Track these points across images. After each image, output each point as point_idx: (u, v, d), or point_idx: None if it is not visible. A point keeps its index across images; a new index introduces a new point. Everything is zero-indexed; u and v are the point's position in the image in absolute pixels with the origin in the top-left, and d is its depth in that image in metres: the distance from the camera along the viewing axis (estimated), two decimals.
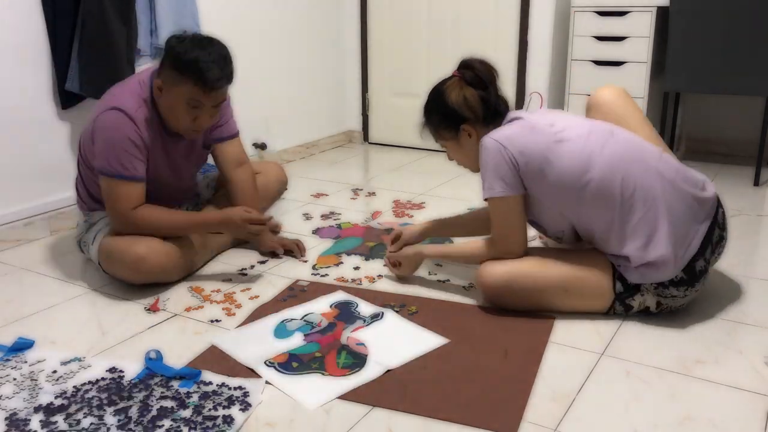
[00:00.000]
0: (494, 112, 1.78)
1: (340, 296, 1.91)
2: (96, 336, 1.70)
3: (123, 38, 2.42)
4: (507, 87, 3.52)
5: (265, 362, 1.55)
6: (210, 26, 2.97)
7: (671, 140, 3.72)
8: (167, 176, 2.06)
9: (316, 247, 2.31)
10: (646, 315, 1.75)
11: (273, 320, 1.76)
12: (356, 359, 1.57)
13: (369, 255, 2.23)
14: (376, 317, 1.78)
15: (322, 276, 2.07)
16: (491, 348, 1.61)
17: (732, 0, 2.87)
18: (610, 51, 3.23)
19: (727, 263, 2.15)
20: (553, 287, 1.74)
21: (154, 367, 1.52)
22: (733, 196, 2.65)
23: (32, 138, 2.37)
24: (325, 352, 1.61)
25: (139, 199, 1.92)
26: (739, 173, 2.63)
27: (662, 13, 3.12)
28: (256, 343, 1.64)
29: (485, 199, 1.74)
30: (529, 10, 3.39)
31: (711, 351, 1.61)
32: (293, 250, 2.22)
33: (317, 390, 1.45)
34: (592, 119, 1.81)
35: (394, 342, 1.65)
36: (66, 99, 2.41)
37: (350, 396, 1.43)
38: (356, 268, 2.12)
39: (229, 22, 3.11)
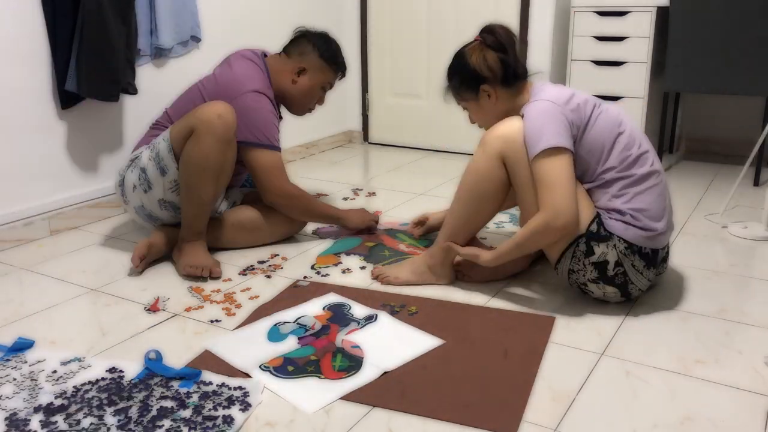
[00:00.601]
0: (513, 73, 1.83)
1: (332, 298, 1.90)
2: (96, 336, 1.70)
3: (122, 38, 2.42)
4: None
5: (260, 366, 1.54)
6: (210, 26, 2.97)
7: (671, 140, 3.72)
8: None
9: (315, 247, 2.31)
10: (600, 274, 1.73)
11: (266, 323, 1.75)
12: (352, 362, 1.56)
13: (368, 255, 2.23)
14: (370, 319, 1.77)
15: (323, 276, 2.07)
16: (491, 348, 1.61)
17: (732, 0, 2.87)
18: (610, 51, 3.23)
19: (727, 263, 2.16)
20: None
21: (154, 368, 1.52)
22: (733, 196, 2.66)
23: (32, 138, 2.37)
24: (320, 355, 1.60)
25: (285, 171, 2.21)
26: (739, 173, 2.63)
27: (662, 13, 3.12)
28: (249, 348, 1.63)
29: (536, 156, 1.68)
30: (529, 10, 3.39)
31: (711, 351, 1.61)
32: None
33: (314, 393, 1.44)
34: None
35: (389, 344, 1.64)
36: (66, 99, 2.41)
37: (350, 396, 1.43)
38: (362, 268, 2.13)
39: (229, 22, 3.11)
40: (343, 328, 1.73)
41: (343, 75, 2.38)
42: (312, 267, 2.14)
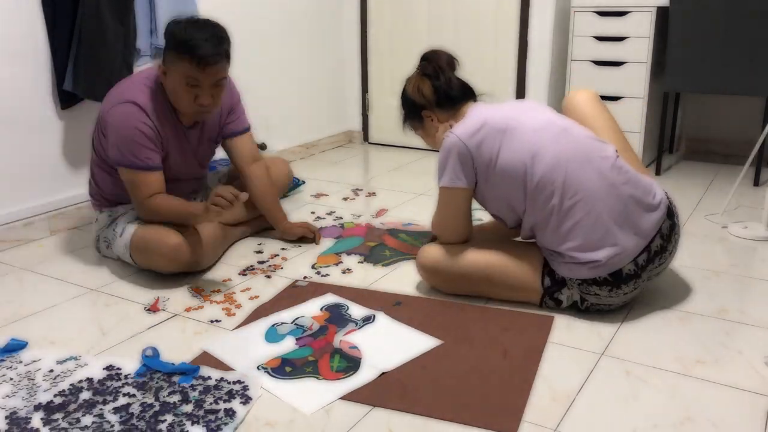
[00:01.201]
0: (447, 97, 1.92)
1: (330, 299, 1.90)
2: (96, 336, 1.70)
3: (120, 39, 2.42)
4: (507, 87, 3.52)
5: (257, 367, 1.54)
6: None
7: (671, 140, 3.72)
8: (180, 165, 2.13)
9: (316, 247, 2.31)
10: (578, 311, 1.78)
11: (263, 324, 1.75)
12: (350, 363, 1.56)
13: (369, 255, 2.23)
14: (368, 320, 1.77)
15: (323, 276, 2.07)
16: (491, 348, 1.61)
17: (732, 0, 2.87)
18: (610, 51, 3.23)
19: (727, 263, 2.16)
20: (477, 276, 1.84)
21: (152, 364, 1.52)
22: (733, 196, 2.65)
23: (32, 138, 2.37)
24: (318, 356, 1.59)
25: (158, 188, 2.01)
26: (739, 173, 2.63)
27: (662, 13, 3.12)
28: (247, 349, 1.63)
29: (439, 186, 1.84)
30: (529, 10, 3.39)
31: (711, 351, 1.60)
32: (313, 234, 2.35)
33: (312, 394, 1.44)
34: (553, 115, 1.85)
35: (387, 345, 1.64)
36: (65, 99, 2.41)
37: (350, 396, 1.42)
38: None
39: (229, 22, 3.10)
40: (341, 328, 1.72)
41: (207, 63, 1.88)
42: (312, 266, 2.14)
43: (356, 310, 1.83)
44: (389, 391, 1.44)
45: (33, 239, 2.40)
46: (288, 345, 1.64)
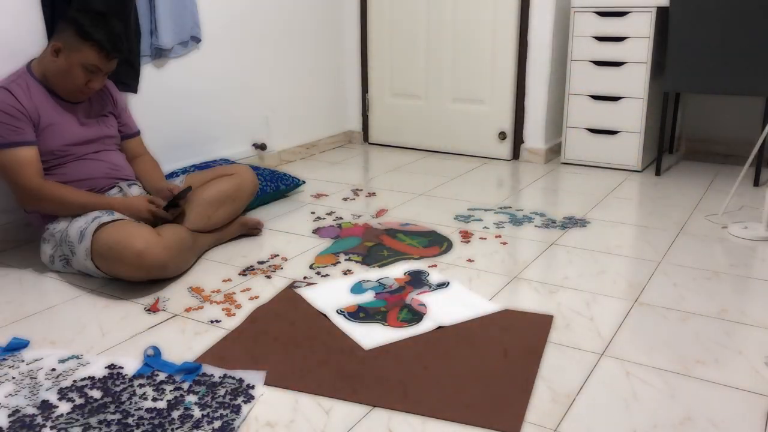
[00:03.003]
0: None
1: (415, 264, 2.14)
2: (96, 336, 1.70)
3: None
4: (506, 87, 3.52)
5: (336, 310, 1.80)
6: (210, 26, 2.97)
7: (671, 140, 3.73)
8: (80, 139, 2.12)
9: (315, 247, 2.31)
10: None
11: (352, 278, 2.02)
12: (414, 315, 1.79)
13: (366, 255, 2.23)
14: (442, 285, 1.98)
15: (323, 276, 2.07)
16: (491, 348, 1.62)
17: (732, 0, 2.87)
18: (610, 51, 3.23)
19: (727, 263, 2.16)
20: None
21: (154, 364, 1.52)
22: (733, 196, 2.66)
23: None
24: (390, 308, 1.83)
25: (37, 164, 2.00)
26: (739, 173, 2.63)
27: (662, 13, 3.12)
28: (333, 296, 1.90)
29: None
30: (529, 10, 3.39)
31: (711, 351, 1.61)
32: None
33: (374, 334, 1.68)
34: None
35: (451, 305, 1.85)
36: None
37: (350, 396, 1.42)
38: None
39: (229, 22, 3.11)
40: (416, 289, 1.95)
41: (112, 53, 2.03)
42: (311, 267, 2.14)
43: (435, 276, 2.05)
44: (390, 391, 1.44)
45: (33, 239, 2.40)
46: (367, 297, 1.90)
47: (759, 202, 2.76)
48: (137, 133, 2.39)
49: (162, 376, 1.49)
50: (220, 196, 2.28)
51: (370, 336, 1.66)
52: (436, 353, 1.60)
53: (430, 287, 1.96)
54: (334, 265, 2.16)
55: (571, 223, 2.56)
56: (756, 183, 3.05)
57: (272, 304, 1.87)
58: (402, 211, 2.72)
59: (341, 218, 2.62)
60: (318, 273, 2.09)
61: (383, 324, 1.73)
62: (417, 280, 2.01)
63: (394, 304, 1.84)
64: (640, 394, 1.43)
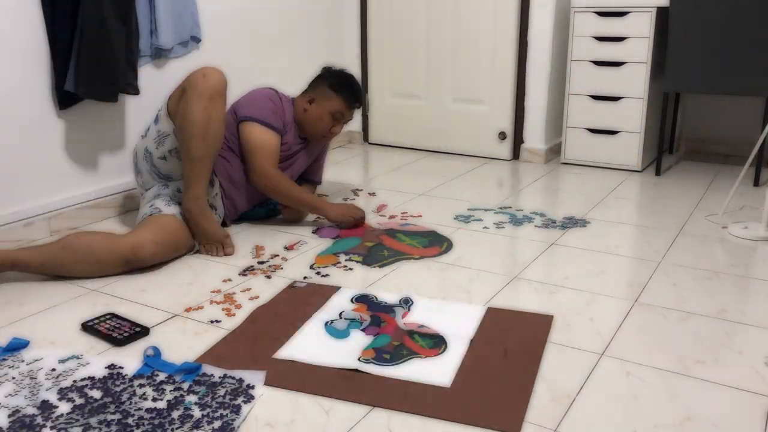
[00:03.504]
0: None
1: (350, 293, 1.93)
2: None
3: (122, 39, 2.42)
4: (506, 87, 3.52)
5: (359, 359, 1.55)
6: (210, 27, 2.97)
7: (671, 140, 3.73)
8: (293, 171, 2.57)
9: (315, 248, 2.31)
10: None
11: (316, 325, 1.73)
12: (434, 339, 1.65)
13: (367, 255, 2.23)
14: (408, 302, 1.86)
15: (323, 276, 2.07)
16: (491, 348, 1.62)
17: (732, 0, 2.87)
18: (610, 51, 3.23)
19: (727, 263, 2.16)
20: None
21: (154, 364, 1.52)
22: (733, 197, 2.66)
23: (32, 138, 2.37)
24: (400, 339, 1.65)
25: (277, 159, 2.40)
26: (739, 173, 2.63)
27: (662, 13, 3.12)
28: (330, 347, 1.62)
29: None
30: (529, 10, 3.39)
31: (711, 351, 1.61)
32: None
33: (434, 369, 1.51)
34: None
35: (447, 319, 1.76)
36: (64, 100, 2.41)
37: (350, 397, 1.42)
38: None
39: (229, 22, 3.11)
40: (393, 314, 1.79)
41: (354, 105, 2.55)
42: (311, 267, 2.14)
43: (385, 296, 1.90)
44: (390, 391, 1.44)
45: (33, 239, 2.40)
46: (360, 337, 1.67)
47: (759, 202, 2.76)
48: (318, 183, 2.79)
49: (162, 376, 1.49)
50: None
51: (433, 372, 1.50)
52: (467, 352, 1.59)
53: (403, 307, 1.82)
54: (335, 265, 2.16)
55: (571, 223, 2.56)
56: (756, 183, 3.05)
57: (272, 304, 1.87)
58: (402, 210, 2.72)
59: None
60: (318, 273, 2.09)
61: (420, 357, 1.56)
62: (374, 305, 1.84)
63: (399, 334, 1.68)
64: (640, 394, 1.43)
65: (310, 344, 1.64)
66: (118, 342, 1.65)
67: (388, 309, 1.82)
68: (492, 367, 1.53)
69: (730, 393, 1.44)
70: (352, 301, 1.87)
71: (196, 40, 2.90)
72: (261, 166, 2.35)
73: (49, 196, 2.46)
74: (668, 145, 3.74)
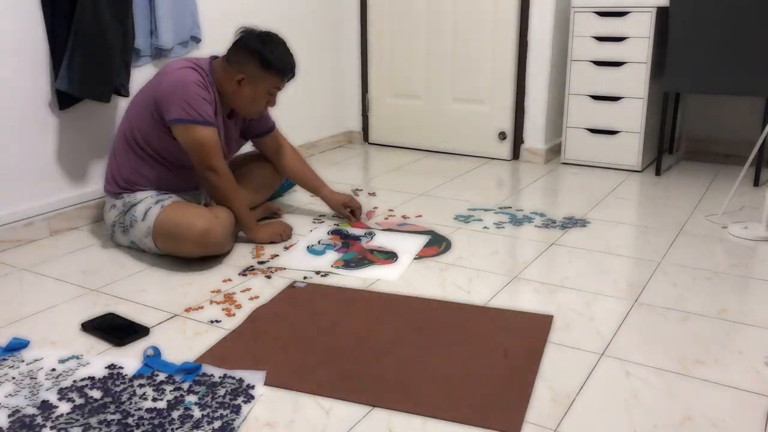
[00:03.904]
0: None
1: (326, 227, 2.48)
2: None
3: (118, 38, 2.41)
4: (506, 87, 3.52)
5: (331, 266, 2.10)
6: (210, 26, 2.97)
7: (671, 140, 3.72)
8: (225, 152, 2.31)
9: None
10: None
11: (300, 248, 2.27)
12: (388, 254, 2.20)
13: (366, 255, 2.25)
14: (371, 234, 2.40)
15: (322, 276, 2.07)
16: (491, 348, 1.62)
17: (732, 0, 2.87)
18: (610, 51, 3.23)
19: (727, 263, 2.16)
20: None
21: (154, 364, 1.52)
22: (733, 196, 2.66)
23: (32, 138, 2.37)
24: (362, 254, 2.20)
25: (219, 149, 2.19)
26: (739, 173, 2.63)
27: (662, 13, 3.12)
28: (310, 260, 2.16)
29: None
30: (529, 10, 3.39)
31: (711, 351, 1.61)
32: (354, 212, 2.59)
33: (386, 271, 2.08)
34: None
35: (399, 242, 2.32)
36: (64, 100, 2.40)
37: (350, 396, 1.42)
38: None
39: (229, 22, 3.10)
40: (359, 240, 2.33)
41: (290, 74, 2.25)
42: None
43: (353, 231, 2.42)
44: (390, 391, 1.44)
45: (33, 239, 2.40)
46: (333, 255, 2.21)
47: (759, 202, 2.76)
48: (272, 127, 2.56)
49: (162, 377, 1.49)
50: (261, 182, 2.57)
51: (385, 272, 2.05)
52: (436, 353, 1.60)
53: (367, 236, 2.36)
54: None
55: (571, 223, 2.56)
56: (756, 183, 3.05)
57: (272, 304, 1.87)
58: (401, 211, 2.72)
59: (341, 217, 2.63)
60: (318, 272, 2.09)
61: (376, 264, 2.11)
62: (344, 234, 2.39)
63: (362, 251, 2.21)
64: (640, 394, 1.43)
65: (296, 258, 2.18)
66: (118, 342, 1.65)
67: (356, 237, 2.36)
68: (492, 367, 1.53)
69: (730, 393, 1.44)
70: (328, 233, 2.40)
71: (196, 40, 2.90)
72: (208, 163, 2.16)
73: (49, 196, 2.46)
74: (668, 145, 3.74)
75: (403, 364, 1.55)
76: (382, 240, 2.33)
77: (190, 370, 1.50)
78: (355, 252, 2.21)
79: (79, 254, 2.27)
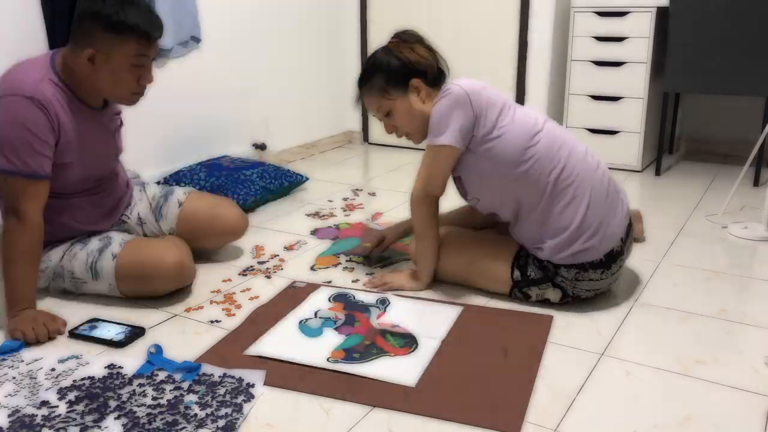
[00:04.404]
0: (440, 70, 1.84)
1: (330, 291, 1.94)
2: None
3: None
4: (507, 87, 3.52)
5: (327, 359, 1.55)
6: (210, 26, 2.97)
7: (671, 140, 3.72)
8: (96, 156, 1.86)
9: (315, 248, 2.31)
10: (549, 304, 1.82)
11: (290, 323, 1.73)
12: (405, 338, 1.65)
13: (367, 255, 2.23)
14: (384, 303, 1.85)
15: (327, 284, 2.06)
16: (491, 348, 1.61)
17: (732, 0, 2.87)
18: (610, 51, 3.23)
19: (727, 263, 2.16)
20: (459, 269, 1.91)
21: (156, 361, 1.53)
22: (733, 197, 2.66)
23: None
24: (372, 339, 1.65)
25: (44, 200, 1.70)
26: (739, 173, 2.63)
27: (662, 13, 3.12)
28: (301, 345, 1.63)
29: (430, 144, 1.79)
30: (529, 10, 3.39)
31: (711, 351, 1.61)
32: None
33: (402, 368, 1.51)
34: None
35: (422, 319, 1.75)
36: None
37: (349, 396, 1.42)
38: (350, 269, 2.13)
39: (229, 22, 3.11)
40: (368, 314, 1.78)
41: (156, 33, 1.72)
42: (311, 268, 2.14)
43: (363, 296, 1.89)
44: (390, 391, 1.44)
45: None
46: (332, 336, 1.67)
47: (759, 202, 2.76)
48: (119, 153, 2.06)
49: (162, 376, 1.49)
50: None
51: (401, 371, 1.49)
52: (436, 353, 1.59)
53: (379, 308, 1.81)
54: (335, 266, 2.15)
55: None
56: (756, 183, 3.05)
57: (272, 304, 1.87)
58: (402, 211, 2.72)
59: (346, 214, 2.62)
60: (316, 271, 2.09)
61: (389, 355, 1.57)
62: (351, 304, 1.84)
63: (371, 333, 1.67)
64: (640, 394, 1.43)
65: (282, 341, 1.65)
66: (119, 344, 1.65)
67: (364, 308, 1.82)
68: (492, 367, 1.53)
69: (730, 393, 1.43)
70: (329, 300, 1.88)
71: (196, 40, 2.90)
72: (14, 204, 1.66)
73: None
74: (668, 145, 3.74)
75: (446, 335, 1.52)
76: (400, 314, 1.78)
77: (191, 368, 1.50)
78: (362, 334, 1.67)
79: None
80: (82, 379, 1.48)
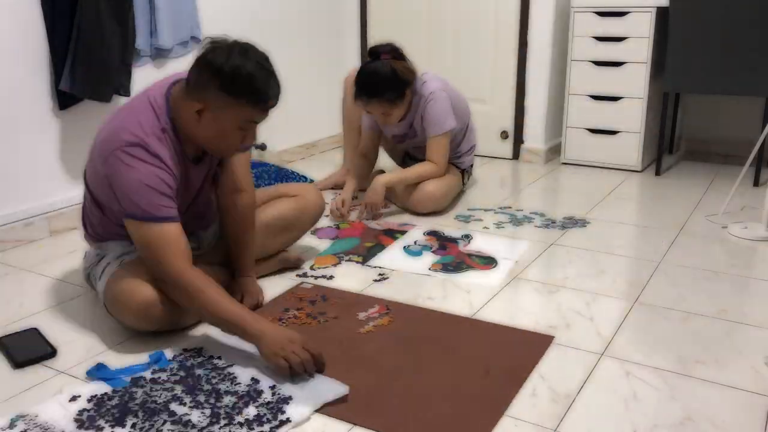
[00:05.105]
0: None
1: (423, 228, 2.47)
2: (97, 337, 1.70)
3: (117, 38, 2.41)
4: (506, 87, 3.52)
5: (428, 268, 2.08)
6: (209, 26, 2.97)
7: (671, 140, 3.72)
8: (186, 205, 1.77)
9: (314, 248, 2.31)
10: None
11: (397, 248, 2.27)
12: (487, 259, 2.17)
13: (366, 255, 2.23)
14: (468, 236, 2.37)
15: (328, 279, 2.06)
16: (474, 365, 1.53)
17: (732, 0, 2.87)
18: (609, 51, 3.23)
19: (727, 263, 2.16)
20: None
21: (104, 375, 1.49)
22: (733, 197, 2.66)
23: (32, 138, 2.37)
24: (461, 258, 2.17)
25: (186, 247, 1.60)
26: (739, 173, 2.63)
27: (662, 13, 3.12)
28: (407, 261, 2.16)
29: (437, 135, 2.62)
30: (529, 10, 3.39)
31: (711, 351, 1.61)
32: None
33: (486, 278, 2.02)
34: None
35: (499, 248, 2.27)
36: (63, 100, 2.40)
37: (331, 411, 1.39)
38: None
39: (229, 22, 3.11)
40: (457, 243, 2.31)
41: (268, 103, 1.63)
42: (312, 267, 2.14)
43: (450, 231, 2.42)
44: (351, 402, 1.39)
45: (33, 239, 2.40)
46: (430, 256, 2.19)
47: (759, 202, 2.76)
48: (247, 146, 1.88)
49: (169, 375, 1.49)
50: (281, 221, 2.03)
51: (486, 279, 2.01)
52: (415, 366, 1.53)
53: (465, 239, 2.33)
54: (335, 265, 2.15)
55: (571, 223, 2.56)
56: (756, 183, 3.05)
57: (273, 304, 1.87)
58: (401, 211, 2.72)
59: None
60: (322, 275, 2.09)
61: (474, 269, 2.07)
62: (441, 236, 2.37)
63: (460, 255, 2.19)
64: (640, 394, 1.43)
65: (393, 259, 2.18)
66: (18, 364, 1.54)
67: (452, 240, 2.34)
68: (468, 386, 1.45)
69: (730, 393, 1.44)
70: (423, 234, 2.40)
71: (196, 40, 2.90)
72: (163, 268, 1.57)
73: (49, 196, 2.46)
74: (668, 145, 3.74)
75: (375, 376, 1.48)
76: (481, 244, 2.30)
77: (157, 358, 1.53)
78: (453, 255, 2.19)
79: (80, 254, 2.27)
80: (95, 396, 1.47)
